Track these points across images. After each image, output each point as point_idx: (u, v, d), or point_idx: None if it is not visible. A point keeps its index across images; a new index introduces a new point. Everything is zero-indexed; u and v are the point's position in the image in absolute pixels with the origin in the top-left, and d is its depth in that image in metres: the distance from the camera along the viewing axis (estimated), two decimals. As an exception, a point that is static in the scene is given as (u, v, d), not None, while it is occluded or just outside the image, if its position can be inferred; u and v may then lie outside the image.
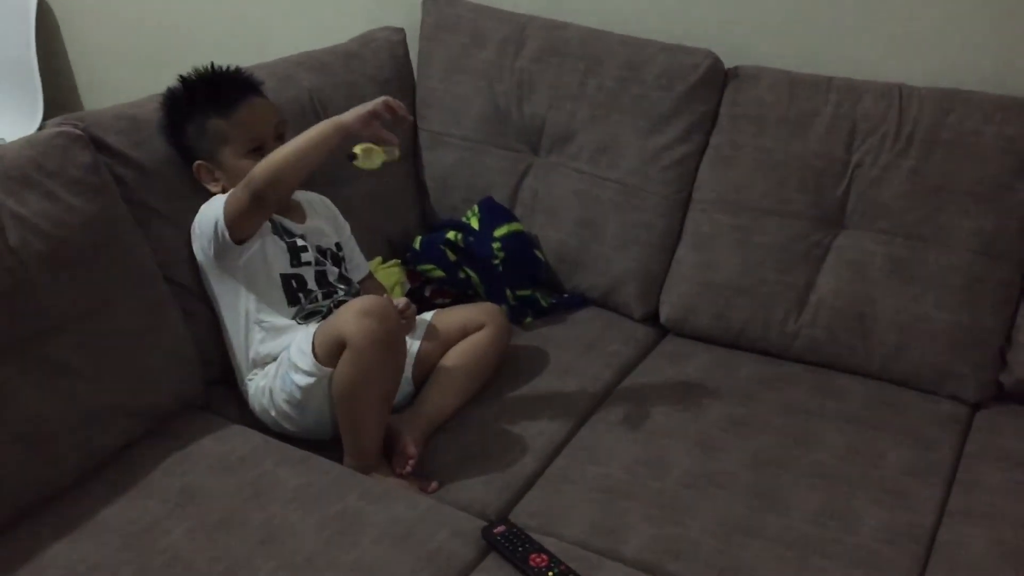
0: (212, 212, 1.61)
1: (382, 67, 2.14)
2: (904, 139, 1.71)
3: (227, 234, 1.58)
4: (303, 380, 1.56)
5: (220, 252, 1.62)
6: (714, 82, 1.87)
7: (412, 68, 2.21)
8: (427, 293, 1.96)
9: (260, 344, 1.65)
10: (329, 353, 1.53)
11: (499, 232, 1.98)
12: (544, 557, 1.31)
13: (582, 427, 1.66)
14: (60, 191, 1.54)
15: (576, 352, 1.85)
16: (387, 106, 1.58)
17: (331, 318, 1.56)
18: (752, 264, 1.80)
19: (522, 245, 1.99)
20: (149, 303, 1.62)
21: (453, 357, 1.71)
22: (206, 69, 1.72)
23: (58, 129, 1.60)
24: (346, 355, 1.50)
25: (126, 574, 1.31)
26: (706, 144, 1.89)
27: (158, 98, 1.76)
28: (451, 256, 1.93)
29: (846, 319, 1.74)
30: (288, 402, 1.60)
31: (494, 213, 2.02)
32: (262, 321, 1.65)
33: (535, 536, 1.37)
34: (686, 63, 1.87)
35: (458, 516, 1.44)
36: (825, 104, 1.77)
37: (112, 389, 1.55)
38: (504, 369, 1.77)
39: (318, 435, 1.63)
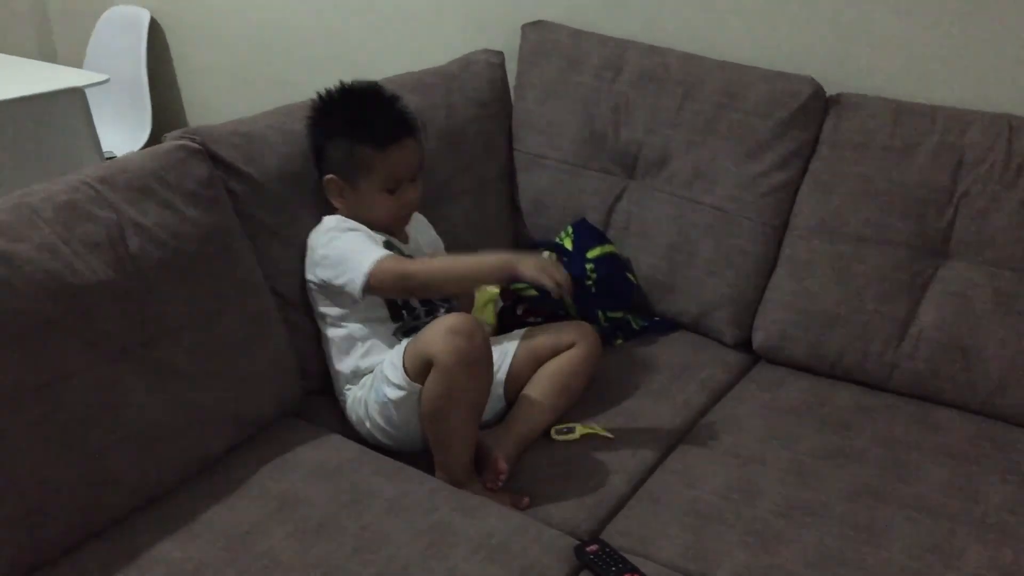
0: (346, 257, 1.63)
1: (481, 89, 2.18)
2: (1013, 170, 1.68)
3: (359, 295, 1.62)
4: (394, 393, 1.59)
5: (341, 292, 1.66)
6: (815, 109, 1.87)
7: (509, 91, 2.25)
8: (520, 312, 1.97)
9: (361, 358, 1.69)
10: (418, 369, 1.55)
11: (592, 254, 2.00)
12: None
13: (674, 450, 1.66)
14: (178, 202, 1.60)
15: (668, 375, 1.85)
16: (567, 286, 1.54)
17: (420, 334, 1.58)
18: (851, 293, 1.78)
19: (615, 267, 2.00)
20: (255, 313, 1.67)
21: (544, 375, 1.72)
22: (372, 90, 1.76)
23: (178, 143, 1.67)
24: (433, 374, 1.52)
25: (231, 574, 1.35)
26: (804, 171, 1.88)
27: (271, 115, 1.82)
28: None
29: (948, 352, 1.70)
30: (381, 414, 1.63)
31: (587, 235, 2.04)
32: (365, 337, 1.69)
33: (628, 556, 1.37)
34: (787, 90, 1.87)
35: (550, 533, 1.44)
36: (931, 133, 1.75)
37: (218, 395, 1.60)
38: (594, 388, 1.77)
39: (410, 447, 1.66)
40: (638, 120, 2.02)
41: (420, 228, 1.84)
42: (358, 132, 1.68)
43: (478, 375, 1.54)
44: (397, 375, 1.58)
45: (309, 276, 1.72)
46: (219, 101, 3.18)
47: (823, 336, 1.81)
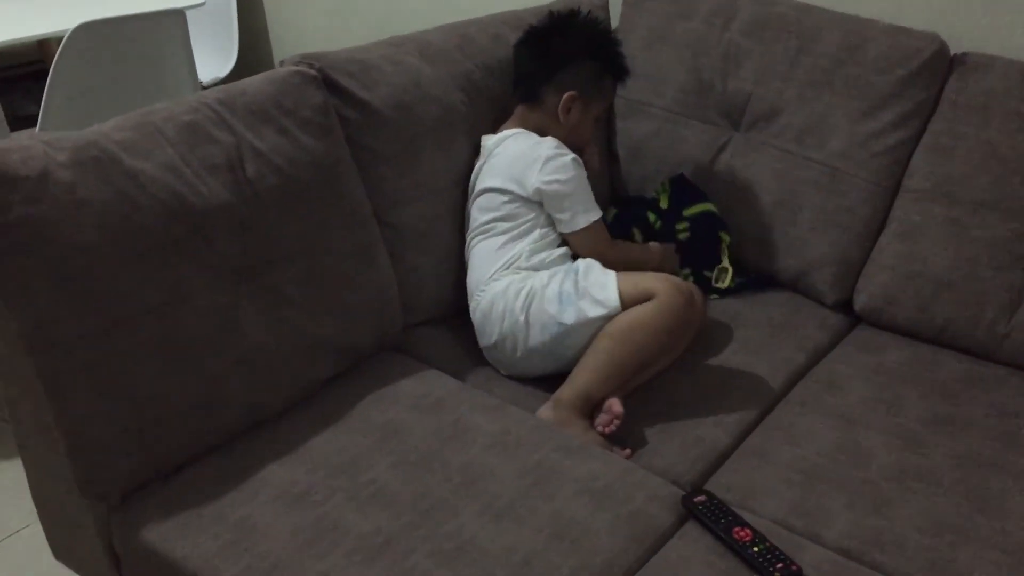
0: (580, 198, 1.78)
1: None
2: None
3: (562, 230, 1.79)
4: (593, 310, 1.62)
5: (536, 210, 1.78)
6: (938, 68, 1.81)
7: (613, 35, 2.20)
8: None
9: (527, 258, 1.74)
10: (627, 297, 1.63)
11: (689, 212, 1.98)
12: (748, 531, 1.30)
13: (775, 407, 1.64)
14: (294, 129, 1.60)
15: (766, 332, 1.82)
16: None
17: (635, 275, 1.67)
18: (965, 259, 1.73)
19: (711, 226, 1.97)
20: (362, 244, 1.67)
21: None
22: (605, 26, 2.03)
23: (295, 68, 1.66)
24: (649, 305, 1.60)
25: (338, 500, 1.37)
26: (922, 132, 1.82)
27: (382, 46, 1.81)
28: (638, 237, 1.99)
29: (1065, 325, 1.66)
30: (542, 321, 1.65)
31: (685, 191, 2.01)
32: (535, 241, 1.76)
33: (735, 510, 1.36)
34: (910, 46, 1.81)
35: (655, 480, 1.44)
36: (1060, 99, 1.69)
37: (325, 323, 1.61)
38: (692, 344, 1.75)
39: (532, 369, 1.69)
40: (748, 70, 1.97)
41: None
42: (610, 61, 1.87)
43: (681, 334, 1.67)
44: (608, 295, 1.63)
45: (507, 185, 1.77)
46: (306, 31, 3.16)
47: (932, 301, 1.77)
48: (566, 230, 1.77)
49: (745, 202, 1.98)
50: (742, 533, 1.30)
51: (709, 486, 1.47)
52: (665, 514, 1.37)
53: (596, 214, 1.78)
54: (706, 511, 1.35)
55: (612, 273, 1.67)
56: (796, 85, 1.91)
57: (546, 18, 1.92)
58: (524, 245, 1.74)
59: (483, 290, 1.74)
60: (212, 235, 1.47)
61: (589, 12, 1.93)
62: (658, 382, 1.68)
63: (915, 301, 1.79)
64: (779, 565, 1.25)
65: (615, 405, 1.57)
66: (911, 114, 1.81)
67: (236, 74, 3.04)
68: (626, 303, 1.62)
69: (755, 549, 1.28)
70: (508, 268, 1.73)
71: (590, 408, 1.61)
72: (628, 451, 1.55)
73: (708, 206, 1.99)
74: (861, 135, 1.85)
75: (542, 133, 1.82)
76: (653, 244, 1.96)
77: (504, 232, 1.75)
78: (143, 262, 1.38)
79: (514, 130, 1.83)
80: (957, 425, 1.56)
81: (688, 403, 1.63)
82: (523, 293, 1.68)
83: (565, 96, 1.81)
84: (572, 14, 1.90)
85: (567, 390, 1.61)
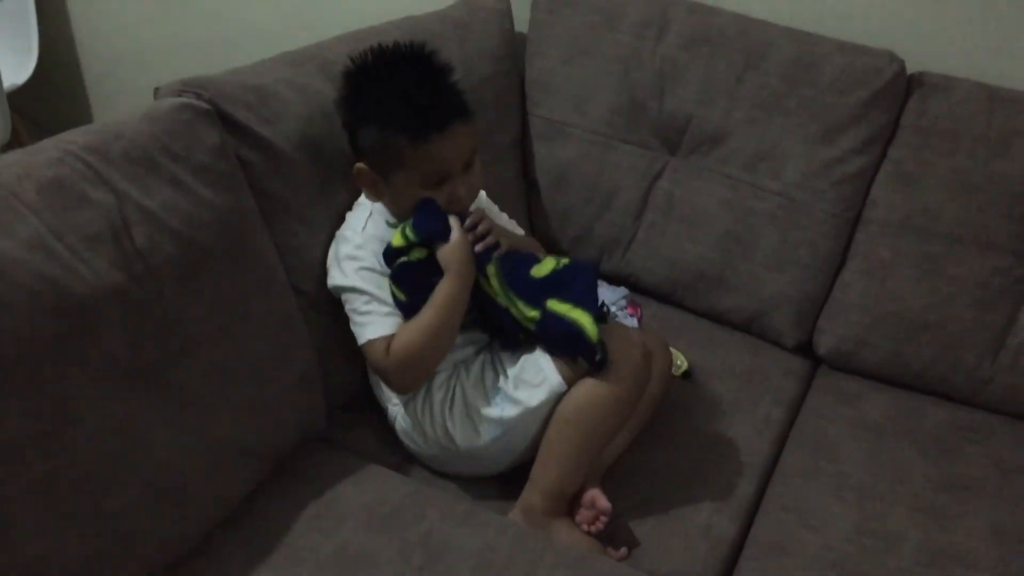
0: (354, 316, 1.38)
1: (493, 41, 1.86)
2: None
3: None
4: (534, 398, 1.33)
5: None
6: (898, 90, 1.66)
7: (519, 44, 1.93)
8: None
9: None
10: (572, 373, 1.33)
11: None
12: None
13: (771, 479, 1.45)
14: (188, 179, 1.23)
15: (735, 386, 1.63)
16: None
17: None
18: (943, 298, 1.61)
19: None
20: (280, 320, 1.34)
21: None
22: (412, 59, 1.35)
23: (180, 101, 1.29)
24: (603, 376, 1.32)
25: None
26: (882, 158, 1.68)
27: (276, 67, 1.47)
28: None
29: (1051, 366, 1.57)
30: (486, 421, 1.35)
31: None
32: None
33: (789, 630, 1.16)
34: (868, 65, 1.66)
35: None
36: (1030, 124, 1.59)
37: (243, 424, 1.27)
38: (661, 406, 1.53)
39: (483, 470, 1.40)
40: (688, 89, 1.76)
41: (492, 214, 1.53)
42: (389, 117, 1.31)
43: (639, 395, 1.38)
44: (547, 376, 1.33)
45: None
46: (117, 31, 2.69)
47: (907, 344, 1.63)
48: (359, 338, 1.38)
49: (692, 236, 1.78)
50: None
51: (732, 592, 1.26)
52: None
53: (371, 329, 1.34)
54: (757, 638, 1.13)
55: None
56: (744, 106, 1.72)
57: (358, 60, 1.38)
58: None
59: (394, 403, 1.43)
60: (99, 330, 1.09)
61: (383, 51, 1.36)
62: (635, 459, 1.45)
63: (889, 344, 1.65)
64: None
65: (599, 500, 1.33)
66: (872, 139, 1.67)
67: (37, 80, 2.55)
68: (570, 378, 1.33)
69: None
70: None
71: (566, 504, 1.36)
72: (624, 551, 1.32)
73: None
74: (819, 162, 1.68)
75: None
76: (445, 252, 1.34)
77: None
78: (17, 377, 1.00)
79: (367, 198, 1.42)
80: (971, 490, 1.43)
81: (676, 484, 1.42)
82: (442, 399, 1.38)
83: (354, 170, 1.38)
84: (357, 63, 1.36)
85: (535, 495, 1.34)
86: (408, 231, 1.33)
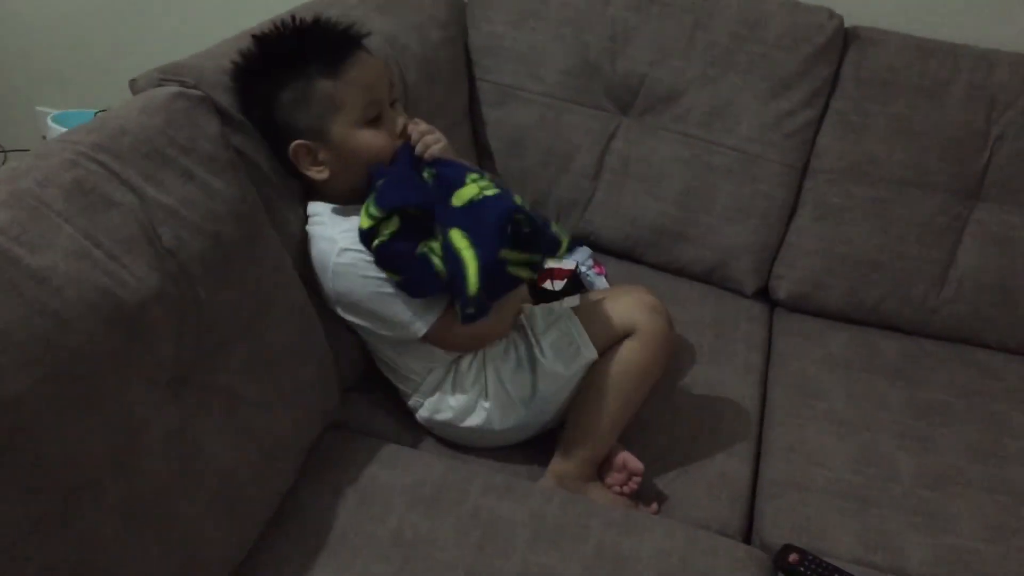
0: (387, 317, 1.32)
1: (439, 8, 1.84)
2: (1047, 112, 1.69)
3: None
4: (569, 368, 1.36)
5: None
6: (837, 44, 1.76)
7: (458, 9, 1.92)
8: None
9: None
10: (600, 341, 1.36)
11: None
12: (861, 585, 1.19)
13: (765, 421, 1.54)
14: (199, 171, 1.17)
15: (710, 336, 1.70)
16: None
17: (601, 309, 1.38)
18: (892, 238, 1.73)
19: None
20: (297, 306, 1.31)
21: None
22: (289, 22, 1.31)
23: (174, 90, 1.22)
24: (631, 344, 1.35)
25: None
26: (826, 109, 1.78)
27: (240, 46, 1.40)
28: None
29: (989, 294, 1.72)
30: (521, 398, 1.36)
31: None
32: None
33: (832, 561, 1.24)
34: (811, 22, 1.74)
35: (725, 543, 1.27)
36: (958, 72, 1.71)
37: (281, 416, 1.24)
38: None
39: (512, 441, 1.41)
40: (641, 50, 1.80)
41: None
42: (301, 72, 1.26)
43: (665, 364, 1.41)
44: (580, 348, 1.36)
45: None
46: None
47: (861, 284, 1.75)
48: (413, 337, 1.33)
49: (651, 192, 1.83)
50: (856, 589, 1.19)
51: (760, 528, 1.34)
52: (761, 583, 1.22)
53: (430, 315, 1.30)
54: (806, 571, 1.21)
55: (574, 319, 1.39)
56: (698, 65, 1.78)
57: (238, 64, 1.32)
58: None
59: (417, 396, 1.41)
60: (149, 336, 1.04)
61: (258, 34, 1.32)
62: (643, 414, 1.50)
63: (845, 284, 1.76)
64: (914, 620, 1.15)
65: (630, 461, 1.37)
66: (817, 92, 1.76)
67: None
68: (602, 346, 1.38)
69: (879, 606, 1.17)
70: (432, 374, 1.40)
71: (596, 469, 1.40)
72: (654, 506, 1.37)
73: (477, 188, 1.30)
74: (771, 116, 1.76)
75: (326, 189, 1.34)
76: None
77: (395, 342, 1.38)
78: (86, 398, 0.95)
79: (313, 206, 1.36)
80: (944, 413, 1.56)
81: (683, 434, 1.48)
82: (472, 383, 1.38)
83: (292, 153, 1.30)
84: (244, 55, 1.30)
85: (568, 462, 1.38)
86: (372, 208, 1.24)
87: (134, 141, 1.13)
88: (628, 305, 1.40)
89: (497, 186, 1.29)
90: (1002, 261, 1.71)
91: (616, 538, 1.24)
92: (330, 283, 1.32)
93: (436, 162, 1.31)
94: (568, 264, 1.72)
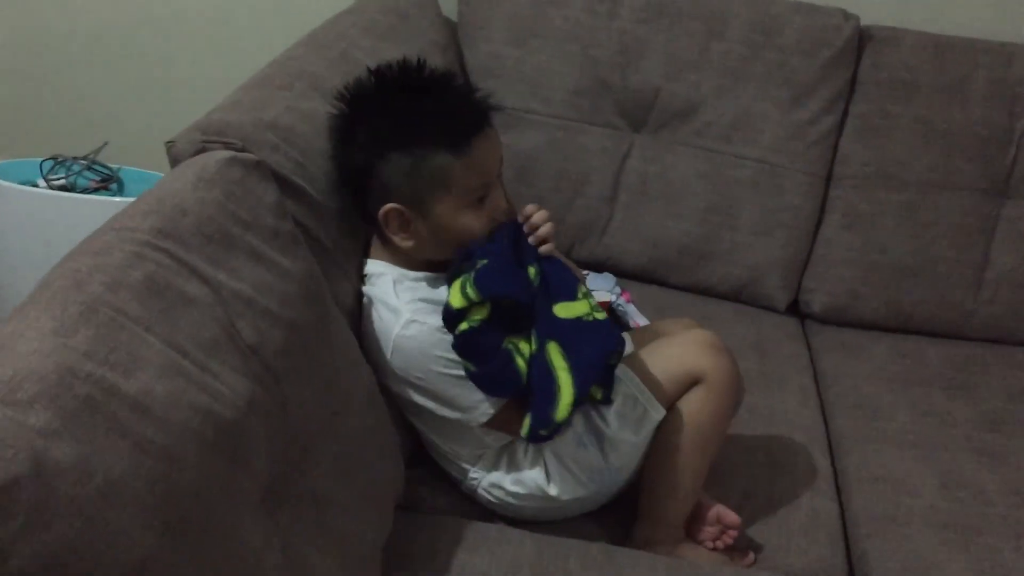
0: (448, 397, 1.20)
1: (435, 30, 1.71)
2: (1068, 106, 1.68)
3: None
4: (638, 434, 1.25)
5: None
6: (854, 46, 1.71)
7: (454, 31, 1.80)
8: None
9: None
10: (666, 395, 1.25)
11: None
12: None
13: (834, 449, 1.48)
14: (265, 249, 1.03)
15: (755, 359, 1.63)
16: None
17: (659, 354, 1.28)
18: (924, 242, 1.70)
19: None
20: (369, 391, 1.18)
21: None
22: (417, 72, 1.19)
23: (228, 155, 1.07)
24: (701, 393, 1.25)
25: None
26: (845, 114, 1.73)
27: (264, 93, 1.25)
28: None
29: (1026, 292, 1.71)
30: (587, 469, 1.24)
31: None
32: None
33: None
34: (827, 24, 1.69)
35: None
36: (976, 68, 1.69)
37: (364, 517, 1.11)
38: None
39: (586, 510, 1.30)
40: (653, 63, 1.72)
41: None
42: (425, 138, 1.14)
43: (738, 406, 1.32)
44: (639, 408, 1.25)
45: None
46: None
47: (899, 291, 1.72)
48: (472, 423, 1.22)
49: (673, 212, 1.76)
50: (999, 632, 1.14)
51: (866, 570, 1.28)
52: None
53: (491, 406, 1.19)
54: (941, 617, 1.16)
55: (634, 379, 1.26)
56: (713, 76, 1.71)
57: (347, 94, 1.23)
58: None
59: (472, 476, 1.29)
60: (247, 453, 0.90)
61: (380, 72, 1.21)
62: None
63: (880, 293, 1.73)
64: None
65: (725, 515, 1.28)
66: (837, 96, 1.72)
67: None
68: (669, 401, 1.27)
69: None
70: (482, 460, 1.29)
71: (683, 528, 1.31)
72: (751, 556, 1.30)
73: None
74: (793, 125, 1.71)
75: (407, 255, 1.23)
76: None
77: (445, 426, 1.26)
78: (205, 540, 0.81)
79: (377, 265, 1.24)
80: (1011, 424, 1.53)
81: (761, 476, 1.40)
82: (531, 460, 1.26)
83: (383, 216, 1.18)
84: (353, 95, 1.22)
85: (653, 528, 1.29)
86: (470, 290, 1.12)
87: (196, 222, 0.98)
88: (689, 350, 1.29)
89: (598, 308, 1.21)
90: (1034, 258, 1.70)
91: (737, 605, 1.16)
92: (388, 355, 1.19)
93: (544, 259, 1.21)
94: (602, 295, 1.63)
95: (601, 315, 1.19)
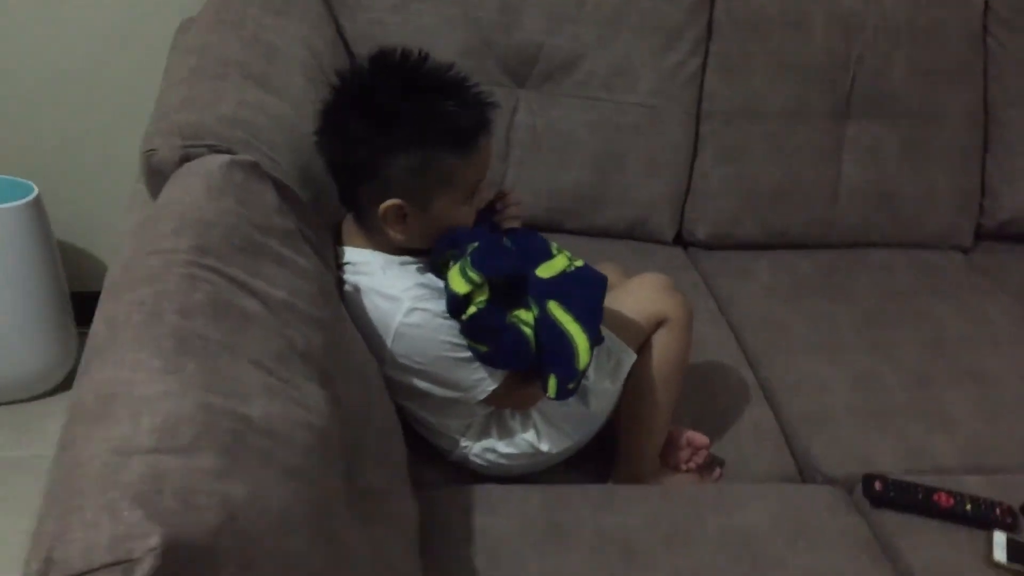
0: (446, 378, 1.23)
1: (312, 6, 1.66)
2: (893, 31, 1.89)
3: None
4: (616, 380, 1.33)
5: None
6: (709, -11, 1.84)
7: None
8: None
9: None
10: (635, 340, 1.34)
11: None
12: (945, 494, 1.33)
13: (753, 364, 1.63)
14: (284, 251, 1.03)
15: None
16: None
17: (623, 300, 1.34)
18: (791, 167, 1.87)
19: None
20: (378, 378, 1.19)
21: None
22: (423, 63, 1.16)
23: (227, 159, 1.03)
24: (668, 333, 1.35)
25: None
26: (707, 54, 1.86)
27: (201, 81, 1.21)
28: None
29: (874, 200, 1.92)
30: (572, 420, 1.32)
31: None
32: None
33: (904, 479, 1.37)
34: (686, -30, 1.81)
35: (809, 491, 1.39)
36: (813, 3, 1.86)
37: (406, 499, 1.15)
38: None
39: (567, 455, 1.38)
40: (534, 20, 1.77)
41: None
42: (436, 137, 1.14)
43: (691, 338, 1.41)
44: (613, 357, 1.32)
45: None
46: None
47: (772, 213, 1.89)
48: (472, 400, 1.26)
49: (563, 163, 1.83)
50: (943, 498, 1.33)
51: (816, 466, 1.44)
52: (859, 519, 1.32)
53: (492, 382, 1.22)
54: (895, 495, 1.34)
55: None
56: (591, 27, 1.78)
57: (347, 78, 1.21)
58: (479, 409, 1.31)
59: (463, 444, 1.34)
60: (335, 458, 0.92)
61: (383, 58, 1.18)
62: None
63: (756, 216, 1.89)
64: (996, 511, 1.32)
65: (695, 438, 1.41)
66: (701, 38, 1.84)
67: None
68: (637, 345, 1.36)
69: (968, 507, 1.32)
70: (471, 429, 1.34)
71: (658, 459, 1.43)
72: (718, 471, 1.43)
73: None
74: (667, 68, 1.82)
75: (392, 243, 1.22)
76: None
77: (436, 403, 1.29)
78: (339, 549, 0.83)
79: (360, 253, 1.24)
80: (885, 320, 1.73)
81: (704, 399, 1.53)
82: (521, 421, 1.33)
83: (384, 210, 1.17)
84: (351, 82, 1.19)
85: (635, 464, 1.39)
86: (472, 273, 1.14)
87: (224, 233, 0.96)
88: (649, 294, 1.39)
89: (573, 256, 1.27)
90: (876, 170, 1.92)
91: (730, 519, 1.29)
92: (388, 343, 1.20)
93: (510, 231, 1.25)
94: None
95: (579, 262, 1.27)
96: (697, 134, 1.88)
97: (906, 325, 1.73)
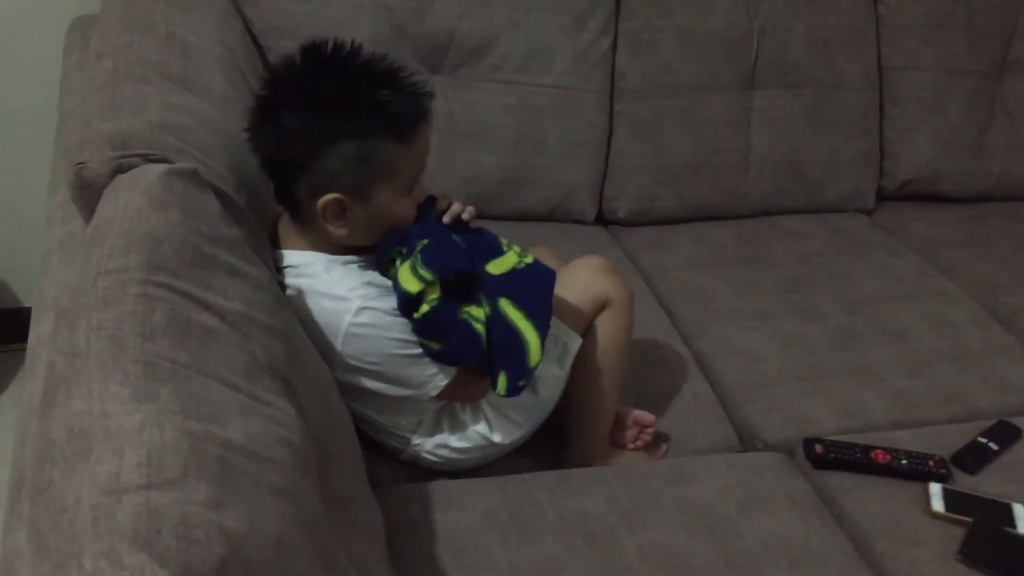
0: (399, 376, 1.21)
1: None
2: (791, 1, 1.93)
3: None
4: (563, 367, 1.33)
5: None
6: (607, -34, 1.85)
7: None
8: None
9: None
10: (580, 324, 1.35)
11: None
12: (881, 451, 1.39)
13: (685, 337, 1.66)
14: (232, 260, 0.99)
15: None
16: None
17: (562, 284, 1.29)
18: (704, 140, 1.90)
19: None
20: (330, 381, 1.16)
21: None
22: (356, 51, 1.13)
23: (164, 169, 0.98)
24: (612, 314, 1.36)
25: None
26: (616, 33, 1.87)
27: (115, 84, 1.16)
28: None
29: (782, 168, 1.97)
30: (522, 410, 1.32)
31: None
32: None
33: (841, 439, 1.42)
34: (590, -51, 1.81)
35: (753, 458, 1.42)
36: (716, -24, 1.90)
37: (371, 503, 1.13)
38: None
39: (518, 444, 1.38)
40: (446, 4, 1.74)
41: None
42: (373, 125, 1.12)
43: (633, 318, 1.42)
44: (559, 344, 1.33)
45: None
46: None
47: (688, 187, 1.92)
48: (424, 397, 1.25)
49: (483, 148, 1.82)
50: (883, 455, 1.38)
51: (756, 432, 1.48)
52: (805, 482, 1.37)
53: (444, 377, 1.22)
54: (836, 455, 1.38)
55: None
56: (503, 10, 1.77)
57: (278, 72, 1.19)
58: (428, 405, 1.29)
59: (415, 442, 1.32)
60: (312, 470, 0.89)
61: (314, 49, 1.14)
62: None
63: (673, 190, 1.92)
64: (929, 463, 1.38)
65: (642, 417, 1.43)
66: (610, 17, 1.85)
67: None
68: (582, 329, 1.37)
69: (903, 462, 1.38)
70: (422, 426, 1.32)
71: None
72: (664, 447, 1.46)
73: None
74: (579, 48, 1.83)
75: (333, 242, 1.19)
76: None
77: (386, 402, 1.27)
78: (329, 562, 0.81)
79: (300, 255, 1.20)
80: (802, 284, 1.79)
81: (642, 375, 1.55)
82: (471, 413, 1.32)
83: (323, 205, 1.14)
84: (284, 75, 1.16)
85: (586, 446, 1.40)
86: (423, 271, 1.13)
87: (173, 248, 0.92)
88: (591, 277, 1.39)
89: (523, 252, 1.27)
90: (784, 138, 1.97)
91: (683, 492, 1.31)
92: (338, 345, 1.17)
93: (459, 228, 1.24)
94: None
95: (529, 258, 1.26)
96: (611, 112, 1.90)
97: (824, 287, 1.79)
